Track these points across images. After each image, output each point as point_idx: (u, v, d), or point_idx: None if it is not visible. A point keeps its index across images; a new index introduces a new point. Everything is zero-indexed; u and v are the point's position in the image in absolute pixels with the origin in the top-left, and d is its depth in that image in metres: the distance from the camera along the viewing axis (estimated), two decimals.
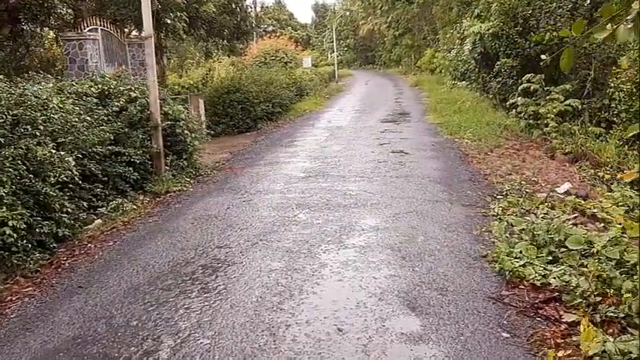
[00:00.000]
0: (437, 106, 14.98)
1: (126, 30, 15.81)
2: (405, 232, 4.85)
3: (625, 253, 3.65)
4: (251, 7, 18.68)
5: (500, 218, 5.16)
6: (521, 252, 3.92)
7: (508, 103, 12.20)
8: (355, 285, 3.69)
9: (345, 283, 3.74)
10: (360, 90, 27.83)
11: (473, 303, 3.34)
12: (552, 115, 9.72)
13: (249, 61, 28.84)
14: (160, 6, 14.21)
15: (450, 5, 29.35)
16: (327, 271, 3.96)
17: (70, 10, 12.91)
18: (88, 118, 6.36)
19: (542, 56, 2.63)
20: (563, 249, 3.87)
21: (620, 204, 5.92)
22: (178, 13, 14.24)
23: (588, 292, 3.06)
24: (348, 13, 56.29)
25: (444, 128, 11.41)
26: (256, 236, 4.90)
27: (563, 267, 3.63)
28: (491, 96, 15.40)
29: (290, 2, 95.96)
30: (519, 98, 11.78)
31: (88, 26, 11.32)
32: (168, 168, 7.62)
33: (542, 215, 5.13)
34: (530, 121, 11.38)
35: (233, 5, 17.87)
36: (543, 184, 6.87)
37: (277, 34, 54.53)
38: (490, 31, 15.05)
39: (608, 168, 7.75)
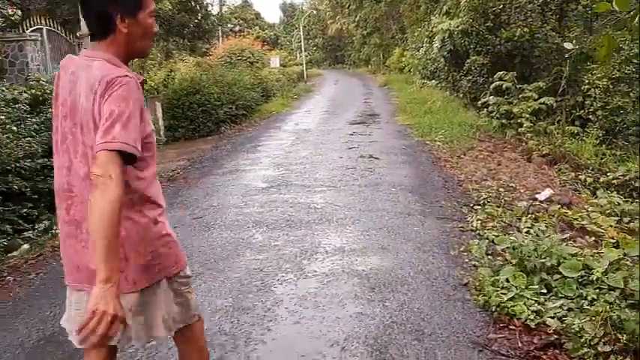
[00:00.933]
0: (407, 106, 14.50)
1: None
2: (374, 255, 4.25)
3: (629, 280, 3.12)
4: (212, 6, 17.74)
5: (479, 234, 4.61)
6: (507, 280, 3.36)
7: (480, 102, 11.77)
8: (314, 329, 3.07)
9: (303, 327, 3.11)
10: (329, 90, 27.26)
11: (455, 351, 2.75)
12: (527, 115, 9.28)
13: (215, 61, 28.04)
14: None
15: (417, 3, 29.06)
16: (282, 310, 3.32)
17: (18, 11, 12.01)
18: (15, 128, 5.60)
19: (566, 45, 2.04)
20: (556, 275, 3.31)
21: (607, 212, 5.45)
22: None
23: (596, 340, 2.50)
24: (315, 12, 55.62)
25: (415, 130, 10.90)
26: (202, 265, 4.23)
27: (559, 300, 3.08)
28: (461, 95, 15.01)
29: (257, 2, 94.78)
30: (491, 97, 11.35)
31: (32, 26, 10.44)
32: None
33: (527, 229, 4.60)
34: (503, 121, 10.96)
35: (192, 3, 17.06)
36: (522, 191, 6.37)
37: (244, 33, 53.76)
38: (459, 28, 14.64)
39: (589, 171, 7.32)
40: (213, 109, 13.45)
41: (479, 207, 5.48)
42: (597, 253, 3.64)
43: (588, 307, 2.95)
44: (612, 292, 3.07)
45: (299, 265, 4.08)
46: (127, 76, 1.66)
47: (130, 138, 1.59)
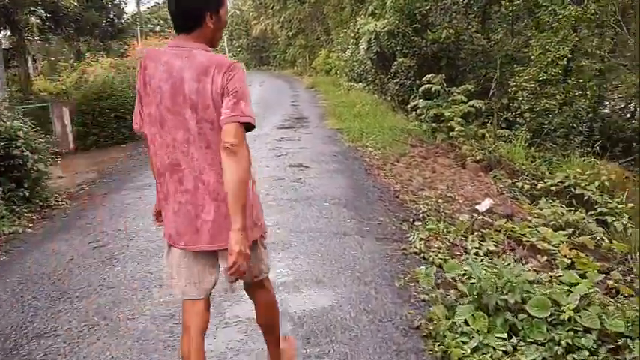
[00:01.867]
0: (335, 109, 14.02)
1: None
2: (309, 290, 3.63)
3: (605, 319, 2.67)
4: (125, 4, 16.53)
5: (424, 257, 4.11)
6: (466, 322, 2.83)
7: (410, 105, 11.48)
8: None
9: None
10: (255, 92, 26.42)
11: None
12: (458, 119, 9.01)
13: (132, 63, 26.49)
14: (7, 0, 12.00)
15: (341, 5, 28.86)
16: None
17: None
18: None
19: None
20: (522, 314, 2.83)
21: (552, 223, 5.13)
22: (31, 8, 12.06)
23: None
24: (239, 13, 54.52)
25: (345, 135, 10.40)
26: (98, 312, 3.44)
27: (530, 349, 2.58)
28: (389, 98, 14.74)
29: None
30: (420, 100, 11.09)
31: None
32: (1, 202, 5.87)
33: (475, 250, 4.15)
34: (434, 125, 10.72)
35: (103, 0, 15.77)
36: (461, 201, 5.99)
37: (165, 33, 51.77)
38: (385, 29, 14.38)
39: (525, 177, 7.08)
40: (127, 114, 12.37)
41: (419, 223, 5.00)
42: (562, 282, 3.20)
43: (564, 357, 2.48)
44: (588, 334, 2.61)
45: (218, 308, 3.37)
46: (238, 62, 2.00)
47: (252, 112, 1.97)
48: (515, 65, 13.25)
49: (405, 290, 3.52)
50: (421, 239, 4.44)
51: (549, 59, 10.17)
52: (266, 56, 62.15)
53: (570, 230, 5.06)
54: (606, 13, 10.28)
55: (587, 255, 4.23)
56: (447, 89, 10.98)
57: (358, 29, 16.59)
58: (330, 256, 4.19)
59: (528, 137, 10.41)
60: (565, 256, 4.12)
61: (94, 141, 12.00)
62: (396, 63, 14.40)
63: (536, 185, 6.73)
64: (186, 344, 2.20)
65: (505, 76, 13.56)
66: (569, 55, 10.01)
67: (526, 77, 10.41)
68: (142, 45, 32.45)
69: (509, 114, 11.46)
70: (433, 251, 4.16)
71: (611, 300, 3.29)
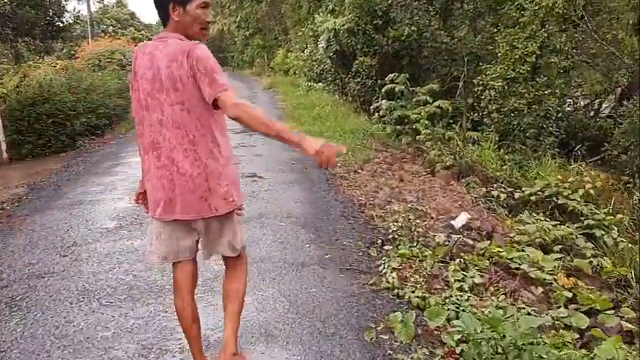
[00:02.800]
0: (294, 112, 13.24)
1: None
2: (255, 349, 2.84)
3: None
4: (66, 1, 15.31)
5: (398, 294, 3.38)
6: None
7: (372, 107, 10.80)
8: None
9: None
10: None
11: None
12: (424, 121, 8.35)
13: (82, 65, 25.09)
14: None
15: (299, 3, 28.16)
16: None
17: None
18: None
19: None
20: None
21: (537, 239, 4.49)
22: None
23: None
24: None
25: None
26: None
27: None
28: (350, 99, 14.07)
29: (133, 2, 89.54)
30: (383, 102, 10.42)
31: None
32: None
33: (458, 283, 3.44)
34: (398, 127, 10.07)
35: None
36: (434, 215, 5.30)
37: (118, 35, 50.01)
38: (345, 26, 13.68)
39: (500, 184, 6.45)
40: (67, 119, 11.28)
41: (389, 245, 4.28)
42: (568, 326, 2.51)
43: None
44: None
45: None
46: (198, 42, 2.18)
47: (227, 81, 2.15)
48: (480, 63, 12.78)
49: (378, 347, 2.77)
50: (393, 269, 3.72)
51: (517, 56, 9.66)
52: (224, 57, 60.82)
53: (559, 248, 4.44)
54: (574, 7, 9.84)
55: (586, 283, 3.59)
56: (410, 89, 10.35)
57: (317, 27, 15.86)
58: (284, 298, 3.41)
59: (496, 139, 9.90)
60: (563, 286, 3.47)
61: (29, 150, 10.84)
62: (356, 62, 13.72)
63: (513, 194, 6.12)
64: (180, 301, 2.45)
65: (469, 75, 13.06)
66: (538, 52, 9.51)
67: (493, 75, 9.87)
68: (91, 46, 30.98)
69: (476, 114, 10.92)
70: (409, 286, 3.44)
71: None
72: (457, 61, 12.79)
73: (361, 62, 13.61)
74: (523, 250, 4.05)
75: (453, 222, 5.11)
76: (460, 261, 3.79)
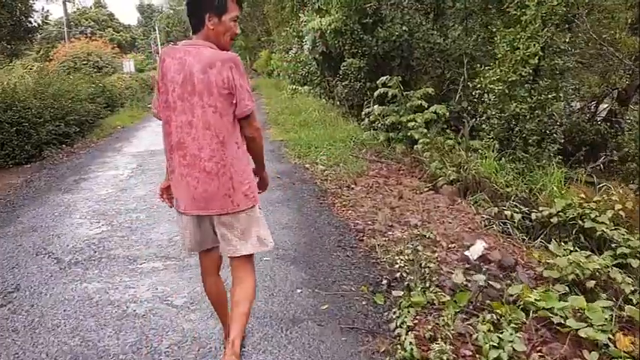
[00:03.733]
0: (278, 117, 12.45)
1: None
2: None
3: None
4: (33, 1, 14.33)
5: None
6: None
7: (363, 112, 10.05)
8: None
9: None
10: None
11: None
12: (423, 130, 7.61)
13: (57, 67, 24.03)
14: None
15: (282, 4, 27.43)
16: None
17: None
18: None
19: None
20: None
21: (570, 275, 3.77)
22: None
23: None
24: (173, 12, 52.33)
25: (291, 149, 8.87)
26: None
27: None
28: (338, 103, 13.32)
29: (112, 3, 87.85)
30: (375, 107, 9.69)
31: None
32: None
33: (495, 353, 2.69)
34: (391, 135, 9.33)
35: None
36: (445, 244, 4.56)
37: (96, 36, 48.85)
38: (332, 26, 12.93)
39: (512, 202, 5.73)
40: (32, 127, 10.37)
41: (399, 292, 3.52)
42: None
43: None
44: None
45: None
46: (236, 55, 2.40)
47: (253, 100, 2.46)
48: (475, 65, 12.12)
49: None
50: (408, 329, 2.96)
51: (518, 57, 8.97)
52: None
53: (593, 283, 3.72)
54: (577, 5, 9.20)
55: None
56: (404, 93, 9.63)
57: (301, 27, 15.08)
58: None
59: (496, 146, 9.23)
60: (623, 350, 2.74)
61: None
62: (344, 64, 12.97)
63: (529, 214, 5.40)
64: (208, 283, 2.74)
65: (464, 77, 12.40)
66: (541, 53, 8.84)
67: (493, 78, 9.18)
68: (68, 47, 29.85)
69: (473, 120, 10.23)
70: (432, 356, 2.67)
71: None
72: (450, 63, 12.12)
73: (349, 64, 12.87)
74: (559, 294, 3.32)
75: (468, 253, 4.37)
76: (491, 315, 3.04)
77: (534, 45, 8.98)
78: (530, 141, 9.31)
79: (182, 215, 2.54)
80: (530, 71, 9.15)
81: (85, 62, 26.57)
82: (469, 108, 11.20)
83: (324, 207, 5.72)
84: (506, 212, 5.46)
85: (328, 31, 13.10)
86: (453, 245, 4.58)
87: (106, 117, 14.86)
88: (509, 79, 9.08)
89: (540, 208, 5.39)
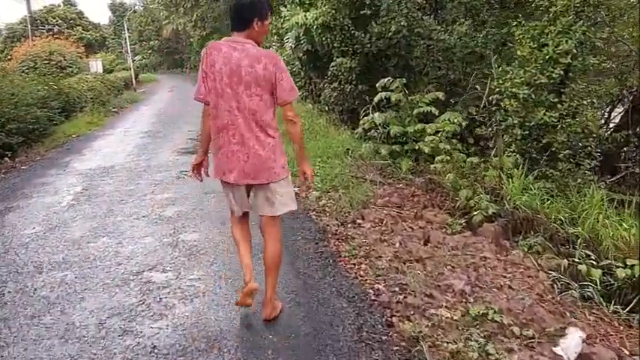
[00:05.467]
0: None
1: None
2: None
3: None
4: None
5: None
6: None
7: (361, 122, 8.44)
8: None
9: None
10: (162, 99, 22.73)
11: None
12: (446, 146, 6.04)
13: (16, 67, 21.97)
14: None
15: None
16: None
17: None
18: None
19: None
20: None
21: None
22: None
23: None
24: (142, 9, 50.35)
25: None
26: None
27: None
28: (327, 108, 11.72)
29: (83, 0, 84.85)
30: (376, 114, 8.13)
31: None
32: None
33: None
34: (394, 147, 7.77)
35: None
36: (517, 331, 3.02)
37: (64, 34, 46.45)
38: (319, 20, 11.34)
39: (581, 248, 4.21)
40: None
41: None
42: None
43: None
44: None
45: None
46: (277, 53, 2.98)
47: (296, 88, 2.96)
48: (482, 65, 10.68)
49: None
50: None
51: (547, 56, 7.51)
52: (179, 58, 57.81)
53: None
54: None
55: None
56: (408, 98, 8.10)
57: (283, 22, 13.44)
58: None
59: (519, 162, 7.79)
60: None
61: None
62: (333, 64, 11.40)
63: (610, 269, 3.88)
64: (241, 232, 3.21)
65: (468, 79, 10.91)
66: (575, 51, 7.38)
67: (516, 81, 7.70)
68: (28, 46, 27.69)
69: (488, 130, 8.73)
70: None
71: None
72: (455, 63, 10.63)
73: (338, 64, 11.29)
74: None
75: (559, 349, 2.84)
76: None
77: (566, 41, 7.52)
78: (560, 156, 7.84)
79: (231, 185, 3.00)
80: (561, 72, 7.69)
81: (46, 62, 24.57)
82: (482, 115, 9.72)
83: (327, 258, 4.12)
84: (580, 267, 3.93)
85: (314, 27, 11.51)
86: (527, 331, 3.03)
87: (60, 124, 13.02)
88: (538, 82, 7.60)
89: (630, 263, 3.87)
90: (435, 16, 11.90)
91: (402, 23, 10.48)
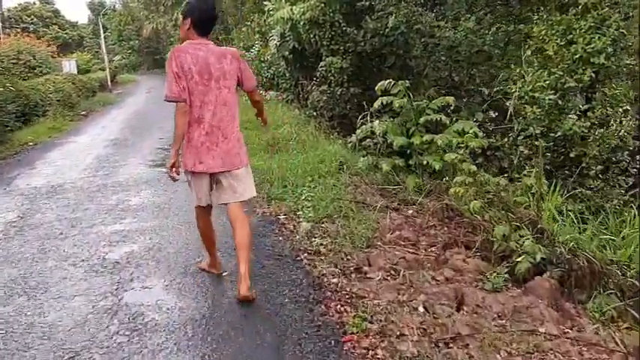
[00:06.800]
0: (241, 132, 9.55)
1: None
2: None
3: None
4: None
5: None
6: None
7: (358, 131, 7.23)
8: None
9: None
10: (137, 102, 21.34)
11: None
12: (471, 167, 4.84)
13: None
14: None
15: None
16: None
17: None
18: None
19: None
20: None
21: None
22: None
23: None
24: (122, 9, 48.91)
25: (257, 187, 5.99)
26: None
27: None
28: (316, 113, 10.51)
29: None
30: (376, 123, 6.94)
31: None
32: None
33: None
34: (397, 161, 6.58)
35: None
36: None
37: (40, 33, 44.71)
38: (306, 15, 10.15)
39: None
40: None
41: None
42: None
43: None
44: None
45: None
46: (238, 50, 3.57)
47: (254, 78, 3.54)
48: (486, 66, 9.61)
49: None
50: None
51: (577, 56, 6.40)
52: (160, 58, 56.02)
53: None
54: None
55: None
56: (413, 104, 6.92)
57: (267, 18, 12.20)
58: None
59: (542, 177, 6.67)
60: None
61: None
62: (322, 64, 10.20)
63: None
64: (205, 224, 3.55)
65: (476, 81, 9.79)
66: (610, 50, 6.27)
67: (540, 84, 6.57)
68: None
69: (504, 140, 7.60)
70: None
71: None
72: (461, 63, 9.50)
73: (328, 64, 10.11)
74: None
75: None
76: None
77: (598, 38, 6.42)
78: (591, 172, 6.74)
79: (200, 176, 3.28)
80: (592, 74, 6.58)
81: (14, 61, 22.98)
82: (490, 121, 8.63)
83: (327, 338, 2.90)
84: None
85: (301, 22, 10.31)
86: None
87: (17, 130, 11.64)
88: (566, 86, 6.49)
89: None
90: (434, 11, 10.77)
91: (399, 19, 9.32)
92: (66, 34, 55.44)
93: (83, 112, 16.78)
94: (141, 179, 6.94)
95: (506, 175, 7.61)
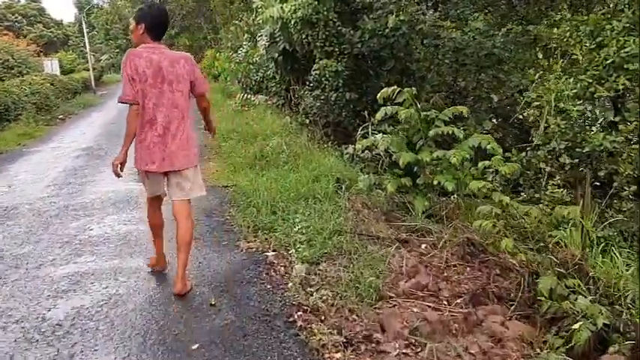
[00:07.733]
0: (224, 144, 8.64)
1: None
2: None
3: None
4: None
5: None
6: None
7: (358, 143, 6.37)
8: None
9: None
10: (119, 105, 20.32)
11: None
12: (504, 198, 4.00)
13: None
14: None
15: None
16: None
17: None
18: None
19: None
20: None
21: None
22: None
23: None
24: (109, 7, 47.81)
25: (241, 212, 5.12)
26: None
27: None
28: (308, 121, 9.65)
29: None
30: (379, 136, 6.11)
31: None
32: None
33: None
34: (403, 180, 5.74)
35: None
36: None
37: (24, 32, 43.51)
38: (298, 14, 9.29)
39: None
40: None
41: None
42: None
43: None
44: None
45: None
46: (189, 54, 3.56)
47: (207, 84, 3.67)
48: (495, 70, 8.83)
49: None
50: None
51: (608, 61, 5.60)
52: None
53: None
54: None
55: None
56: (421, 114, 6.08)
57: (255, 17, 11.32)
58: None
59: (565, 197, 5.92)
60: None
61: None
62: (315, 67, 9.35)
63: None
64: (154, 216, 3.73)
65: (484, 87, 8.99)
66: None
67: (566, 92, 5.78)
68: None
69: (523, 154, 6.79)
70: None
71: None
72: (469, 67, 8.68)
73: (322, 67, 9.26)
74: None
75: None
76: None
77: (634, 41, 5.63)
78: (623, 193, 5.96)
79: (150, 173, 3.45)
80: (626, 82, 5.79)
81: None
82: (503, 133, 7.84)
83: None
84: None
85: (293, 22, 9.45)
86: None
87: None
88: (595, 95, 5.70)
89: None
90: (437, 10, 9.97)
91: (400, 18, 8.49)
92: (51, 32, 54.13)
93: (61, 116, 15.81)
94: (108, 200, 6.04)
95: (522, 194, 6.80)
